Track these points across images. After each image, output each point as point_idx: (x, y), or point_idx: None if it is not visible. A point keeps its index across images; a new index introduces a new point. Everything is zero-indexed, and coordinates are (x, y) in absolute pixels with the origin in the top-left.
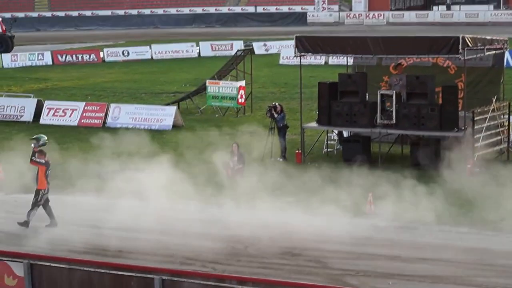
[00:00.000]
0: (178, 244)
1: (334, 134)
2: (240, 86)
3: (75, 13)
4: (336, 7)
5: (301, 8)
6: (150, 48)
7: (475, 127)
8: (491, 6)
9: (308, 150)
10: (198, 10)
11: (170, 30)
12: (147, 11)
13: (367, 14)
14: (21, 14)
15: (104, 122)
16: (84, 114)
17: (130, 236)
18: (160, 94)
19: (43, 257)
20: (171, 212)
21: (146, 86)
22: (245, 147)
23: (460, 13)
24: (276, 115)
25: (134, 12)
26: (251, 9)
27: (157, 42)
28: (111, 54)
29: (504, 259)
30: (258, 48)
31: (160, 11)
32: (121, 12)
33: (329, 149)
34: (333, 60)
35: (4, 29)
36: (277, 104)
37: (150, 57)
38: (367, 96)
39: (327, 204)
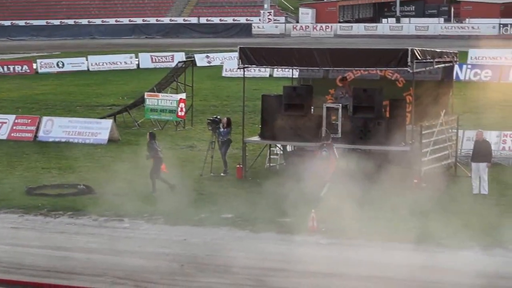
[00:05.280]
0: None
1: (278, 148)
2: (180, 99)
3: (7, 23)
4: (282, 19)
5: (246, 19)
6: (87, 59)
7: (423, 141)
8: (442, 19)
9: (250, 165)
10: (138, 20)
11: (108, 40)
12: (84, 21)
13: (314, 26)
14: None
15: (36, 136)
16: (14, 128)
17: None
18: (96, 107)
19: None
20: None
21: (81, 98)
22: (185, 162)
23: (410, 26)
24: (221, 129)
25: (70, 22)
26: (194, 20)
27: (94, 53)
28: (44, 65)
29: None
30: (200, 60)
31: (98, 21)
32: (56, 22)
33: (271, 164)
34: (278, 72)
35: None
36: (222, 118)
37: (86, 68)
38: (312, 110)
39: (267, 221)
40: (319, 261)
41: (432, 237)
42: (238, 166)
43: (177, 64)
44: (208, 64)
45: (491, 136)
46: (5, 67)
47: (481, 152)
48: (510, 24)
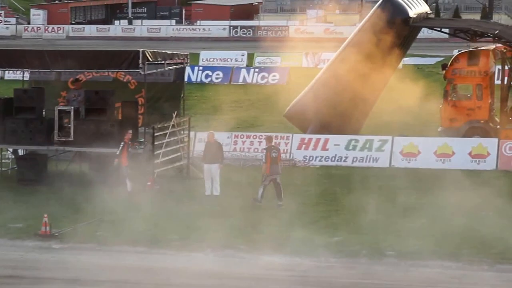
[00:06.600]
0: None
1: (9, 152)
2: None
3: None
4: (13, 20)
5: None
6: None
7: (155, 143)
8: (173, 21)
9: None
10: None
11: None
12: None
13: (46, 28)
14: None
15: None
16: None
17: None
18: None
19: None
20: None
21: None
22: None
23: (142, 27)
24: None
25: None
26: None
27: None
28: None
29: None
30: None
31: None
32: None
33: (3, 169)
34: (10, 75)
35: None
36: None
37: None
38: (44, 113)
39: None
40: (51, 266)
41: (164, 239)
42: None
43: None
44: None
45: (222, 138)
46: None
47: (212, 153)
48: (240, 26)
